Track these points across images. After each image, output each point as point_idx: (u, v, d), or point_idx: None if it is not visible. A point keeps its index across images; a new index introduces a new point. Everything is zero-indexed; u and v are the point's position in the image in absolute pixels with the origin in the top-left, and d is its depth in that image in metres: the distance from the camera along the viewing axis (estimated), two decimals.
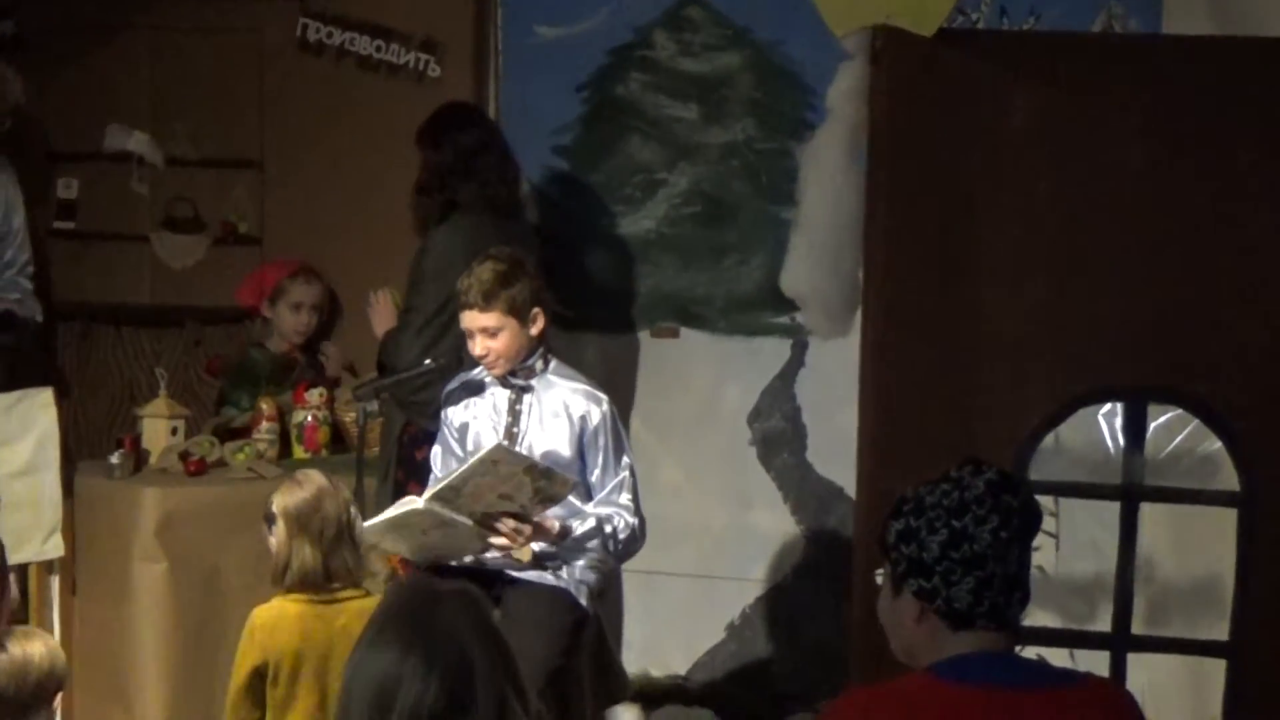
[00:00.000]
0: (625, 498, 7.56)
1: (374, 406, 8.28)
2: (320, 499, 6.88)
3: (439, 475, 7.66)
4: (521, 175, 9.42)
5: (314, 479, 7.01)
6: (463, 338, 7.64)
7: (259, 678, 6.89)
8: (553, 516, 7.33)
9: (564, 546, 7.42)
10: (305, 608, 6.87)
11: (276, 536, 6.87)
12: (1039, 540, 5.02)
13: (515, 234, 8.59)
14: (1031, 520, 4.67)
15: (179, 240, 10.36)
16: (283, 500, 6.87)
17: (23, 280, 9.72)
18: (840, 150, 6.80)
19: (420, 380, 8.17)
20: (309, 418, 8.98)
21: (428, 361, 8.11)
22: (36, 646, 6.27)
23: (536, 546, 7.34)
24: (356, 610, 6.78)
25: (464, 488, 7.08)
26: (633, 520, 7.54)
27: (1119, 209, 6.47)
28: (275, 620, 6.89)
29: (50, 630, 8.46)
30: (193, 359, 9.82)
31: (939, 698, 4.52)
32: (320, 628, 6.85)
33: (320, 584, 6.82)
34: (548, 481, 7.18)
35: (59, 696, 6.29)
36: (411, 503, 7.27)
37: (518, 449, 7.43)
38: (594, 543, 7.44)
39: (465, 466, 7.21)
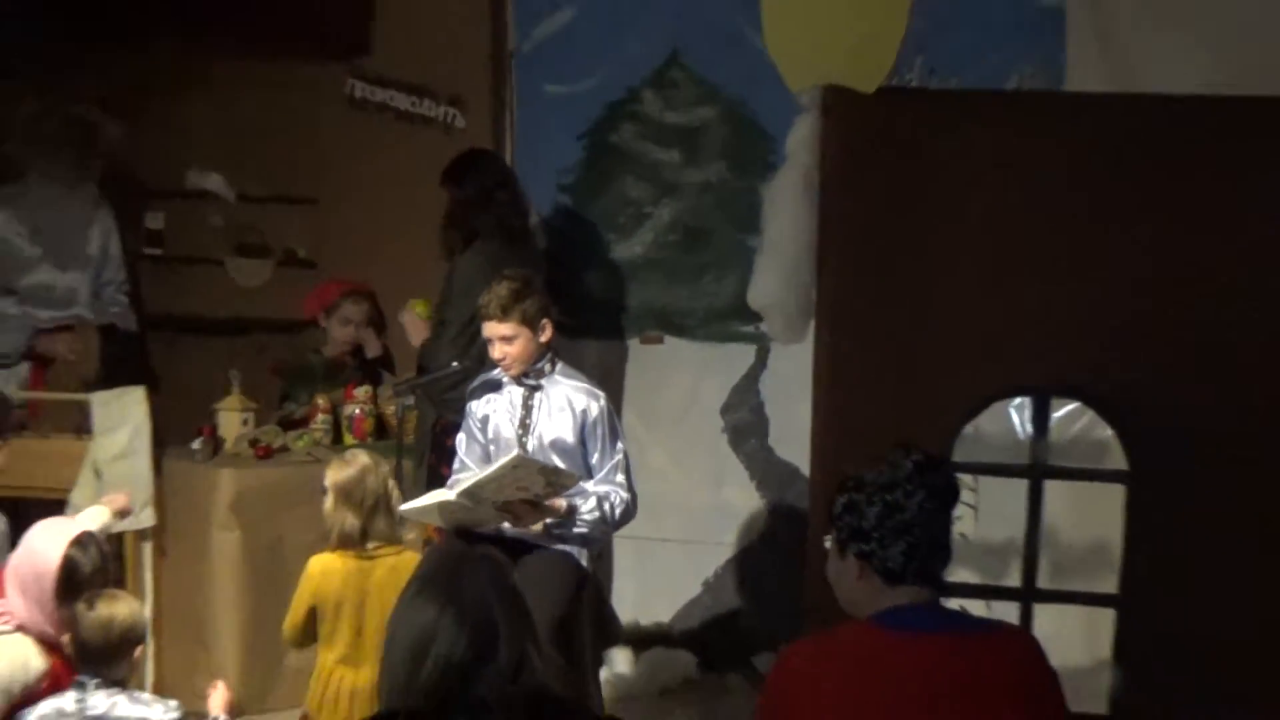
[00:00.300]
0: (620, 477, 7.77)
1: (410, 401, 8.60)
2: (364, 475, 7.31)
3: (463, 458, 7.88)
4: (531, 209, 9.60)
5: (359, 459, 7.41)
6: (485, 345, 7.85)
7: (311, 615, 7.31)
8: (563, 497, 7.54)
9: (570, 520, 7.62)
10: (349, 562, 7.33)
11: (327, 505, 7.32)
12: (960, 511, 5.23)
13: (526, 258, 8.79)
14: (951, 494, 4.95)
15: (248, 264, 10.69)
16: (333, 476, 7.32)
17: (121, 297, 9.97)
18: (797, 188, 6.75)
19: (449, 381, 8.36)
20: (357, 411, 9.20)
21: (454, 365, 8.32)
22: (121, 608, 6.35)
23: (548, 520, 7.59)
24: (390, 565, 7.32)
25: (488, 486, 7.26)
26: (626, 496, 7.75)
27: (1027, 239, 6.69)
28: (325, 570, 7.34)
29: (142, 587, 8.68)
30: (259, 362, 9.95)
31: (876, 642, 4.79)
32: (359, 579, 7.32)
33: (360, 543, 7.29)
34: (557, 477, 7.41)
35: (139, 650, 6.38)
36: (444, 494, 7.48)
37: (529, 442, 7.71)
38: (594, 515, 7.62)
39: (491, 470, 7.35)
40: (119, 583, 7.67)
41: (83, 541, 6.65)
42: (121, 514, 7.81)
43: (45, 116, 9.86)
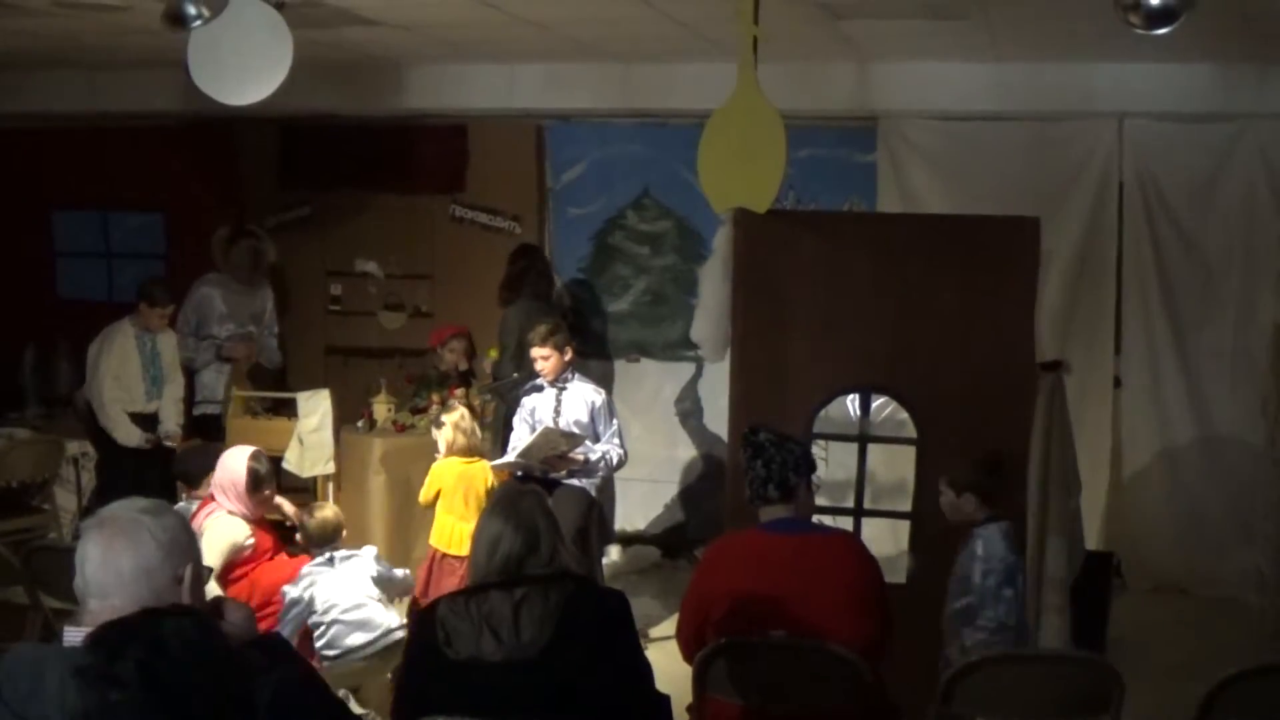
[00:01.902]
0: (616, 441, 7.81)
1: (489, 397, 8.60)
2: (466, 414, 7.67)
3: (520, 433, 7.85)
4: (558, 280, 9.75)
5: (460, 407, 7.83)
6: (532, 362, 7.91)
7: (435, 496, 7.51)
8: (580, 452, 7.66)
9: (585, 467, 7.73)
10: (458, 465, 7.51)
11: (447, 431, 7.56)
12: (817, 460, 5.41)
13: (550, 310, 8.90)
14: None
15: (391, 315, 10.63)
16: (451, 418, 7.61)
17: (273, 342, 10.15)
18: (719, 269, 6.65)
19: (510, 385, 8.34)
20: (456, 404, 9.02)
21: (515, 375, 8.34)
22: (329, 512, 6.66)
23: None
24: (477, 466, 7.59)
25: (533, 447, 7.44)
26: (620, 452, 7.81)
27: (858, 300, 6.58)
28: (444, 469, 7.49)
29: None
30: (399, 374, 9.82)
31: (760, 539, 4.90)
32: (463, 475, 7.53)
33: (464, 453, 7.55)
34: (573, 440, 7.55)
35: (342, 535, 6.67)
36: (509, 455, 7.65)
37: (559, 420, 7.73)
38: (600, 464, 7.74)
39: (533, 438, 7.54)
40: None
41: (258, 456, 6.74)
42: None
43: (231, 240, 10.06)
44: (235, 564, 6.76)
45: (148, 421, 9.16)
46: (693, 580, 5.09)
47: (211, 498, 6.84)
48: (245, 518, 6.74)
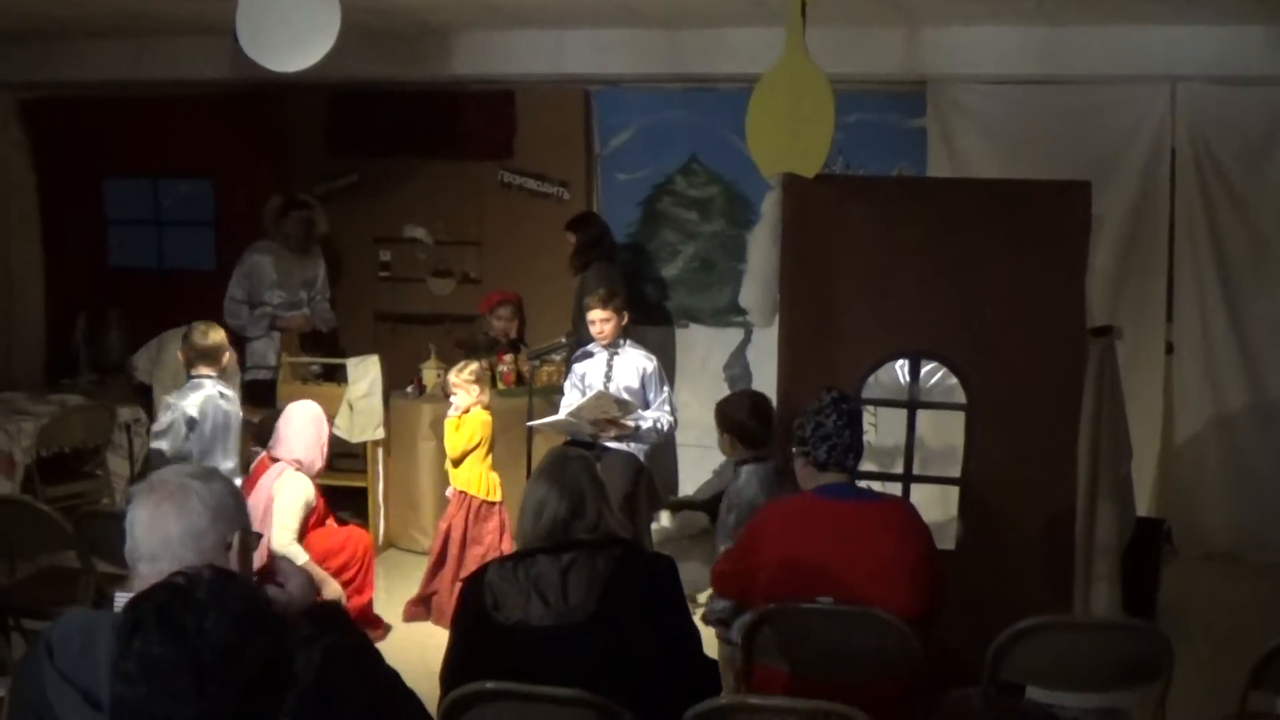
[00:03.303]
0: (666, 407, 7.85)
1: (538, 364, 8.52)
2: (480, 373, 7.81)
3: (570, 399, 7.91)
4: (616, 246, 9.64)
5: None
6: (587, 326, 8.01)
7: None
8: (631, 419, 7.66)
9: (635, 434, 7.74)
10: (486, 414, 7.60)
11: (474, 391, 7.67)
12: (866, 426, 5.38)
13: (615, 275, 8.91)
14: (854, 414, 5.00)
15: (440, 281, 10.61)
16: (470, 373, 7.73)
17: (326, 305, 10.20)
18: (767, 234, 6.70)
19: (559, 349, 8.46)
20: (505, 369, 9.12)
21: (562, 341, 8.43)
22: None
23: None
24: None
25: (584, 409, 7.43)
26: (670, 419, 7.86)
27: (907, 265, 6.53)
28: (485, 420, 7.58)
29: (377, 473, 8.68)
30: (447, 340, 9.92)
31: (813, 504, 4.87)
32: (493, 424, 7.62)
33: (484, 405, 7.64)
34: (625, 406, 7.55)
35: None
36: (557, 417, 7.63)
37: (610, 386, 7.76)
38: (651, 431, 7.77)
39: (585, 400, 7.56)
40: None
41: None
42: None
43: (284, 209, 10.07)
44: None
45: None
46: (746, 533, 5.13)
47: (269, 461, 6.91)
48: (309, 474, 6.94)
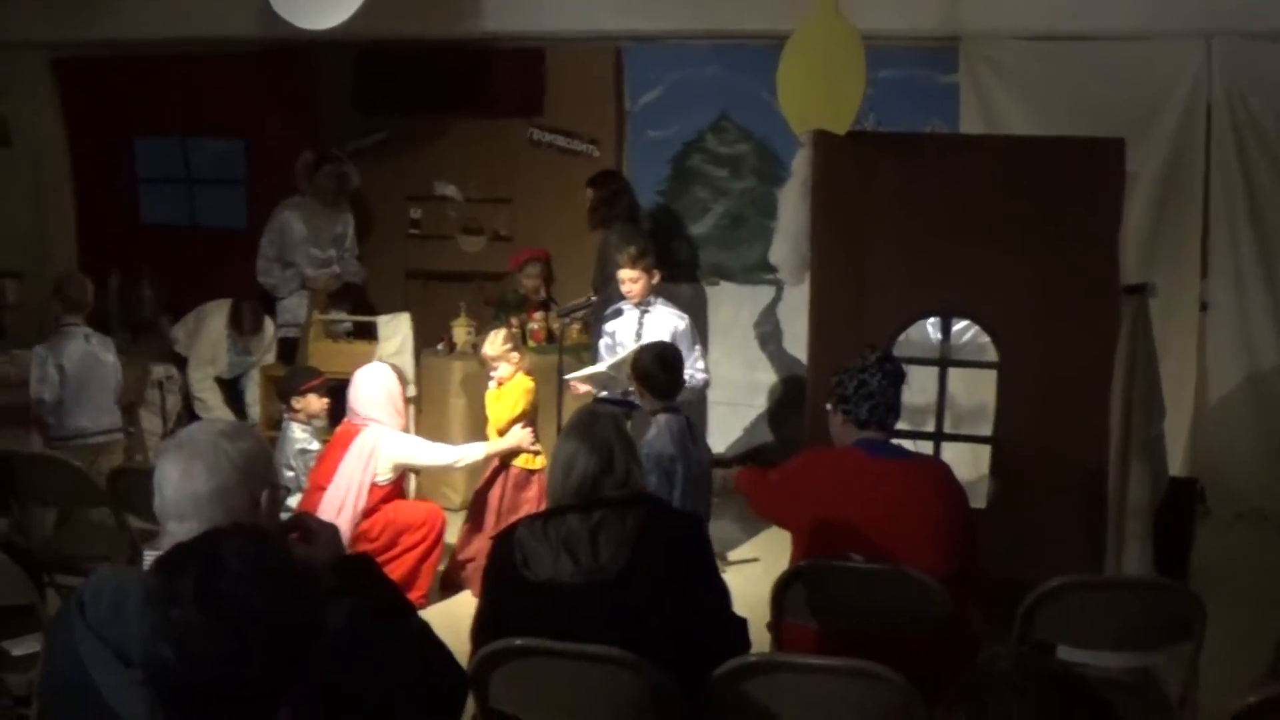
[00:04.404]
0: (700, 364, 7.87)
1: (568, 322, 8.46)
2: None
3: (603, 355, 7.96)
4: (638, 205, 9.61)
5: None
6: (616, 286, 8.02)
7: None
8: None
9: None
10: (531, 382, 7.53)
11: (512, 358, 7.58)
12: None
13: (638, 234, 8.72)
14: (898, 374, 5.05)
15: (470, 239, 10.64)
16: (503, 341, 7.64)
17: (355, 261, 10.26)
18: (798, 191, 6.68)
19: (589, 307, 8.46)
20: (535, 326, 9.14)
21: (591, 299, 8.47)
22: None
23: None
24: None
25: (625, 365, 7.37)
26: (704, 375, 7.87)
27: (939, 223, 6.56)
28: (529, 383, 7.52)
29: (409, 428, 8.85)
30: (478, 298, 9.93)
31: (852, 457, 4.91)
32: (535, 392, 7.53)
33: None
34: None
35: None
36: (596, 368, 7.65)
37: (642, 343, 7.58)
38: (684, 385, 7.51)
39: (620, 355, 7.56)
40: None
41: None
42: None
43: (316, 164, 10.12)
44: (379, 495, 7.07)
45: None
46: (788, 475, 5.17)
47: (354, 425, 7.09)
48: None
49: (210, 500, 2.87)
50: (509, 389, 7.58)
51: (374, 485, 7.03)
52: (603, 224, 9.15)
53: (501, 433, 7.55)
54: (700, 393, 8.10)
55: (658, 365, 6.73)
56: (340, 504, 6.88)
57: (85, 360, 7.81)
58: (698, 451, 6.91)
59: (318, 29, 6.79)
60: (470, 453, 7.42)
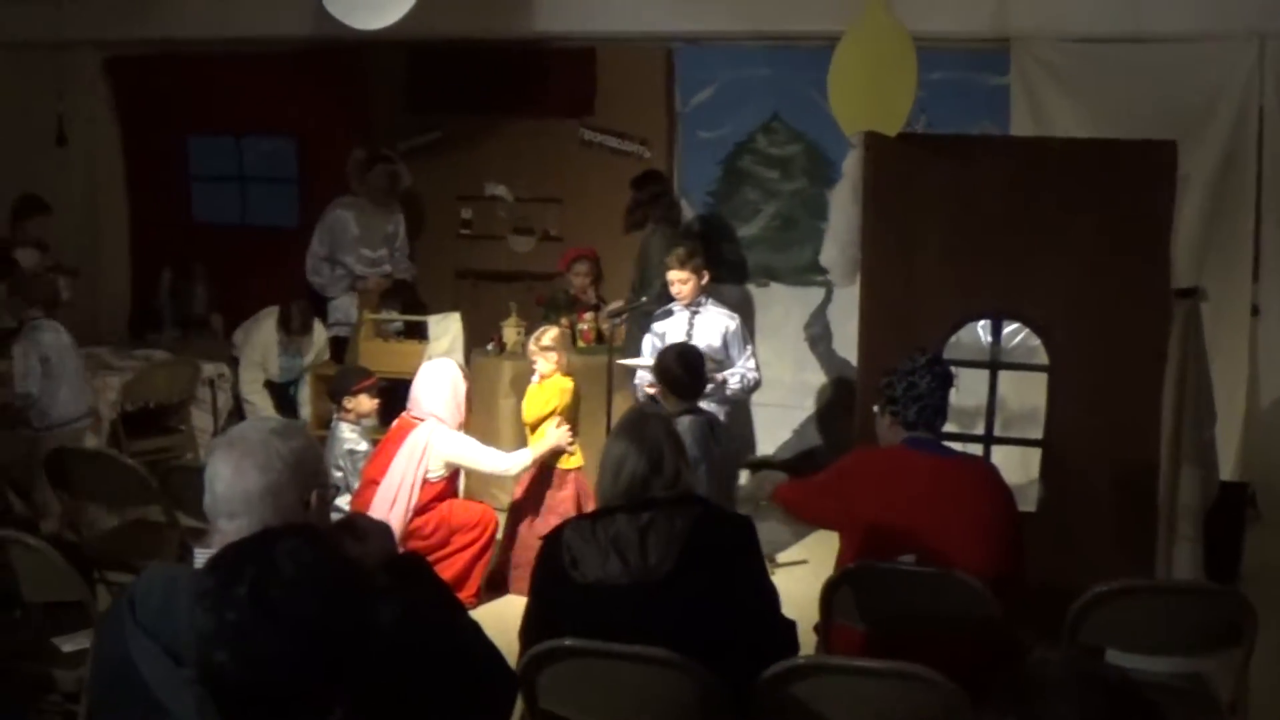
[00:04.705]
0: (751, 364, 7.82)
1: (618, 322, 8.54)
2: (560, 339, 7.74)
3: (646, 353, 7.94)
4: (683, 207, 9.70)
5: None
6: (665, 286, 8.00)
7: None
8: (717, 375, 7.60)
9: (719, 388, 7.65)
10: (569, 383, 7.53)
11: (553, 357, 7.57)
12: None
13: (676, 240, 8.71)
14: (947, 377, 5.08)
15: (520, 239, 10.64)
16: (552, 338, 7.66)
17: (406, 259, 10.30)
18: (848, 193, 6.74)
19: (640, 308, 8.45)
20: (585, 327, 9.11)
21: (643, 299, 8.45)
22: None
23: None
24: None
25: None
26: (754, 375, 7.81)
27: (989, 225, 6.53)
28: (567, 383, 7.51)
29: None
30: (528, 297, 9.90)
31: (902, 455, 4.94)
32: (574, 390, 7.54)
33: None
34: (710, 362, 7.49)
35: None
36: (646, 360, 7.69)
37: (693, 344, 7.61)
38: (737, 385, 7.74)
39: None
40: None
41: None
42: None
43: (368, 163, 10.15)
44: (432, 493, 7.10)
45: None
46: (836, 474, 5.17)
47: (411, 420, 7.14)
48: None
49: (261, 498, 2.87)
50: (547, 385, 7.62)
51: (426, 481, 7.06)
52: (637, 225, 9.22)
53: (532, 428, 7.60)
54: (752, 393, 8.09)
55: (680, 366, 6.75)
56: (393, 499, 6.93)
57: (61, 349, 7.89)
58: (720, 450, 6.91)
59: (371, 28, 6.80)
60: (519, 460, 7.43)
